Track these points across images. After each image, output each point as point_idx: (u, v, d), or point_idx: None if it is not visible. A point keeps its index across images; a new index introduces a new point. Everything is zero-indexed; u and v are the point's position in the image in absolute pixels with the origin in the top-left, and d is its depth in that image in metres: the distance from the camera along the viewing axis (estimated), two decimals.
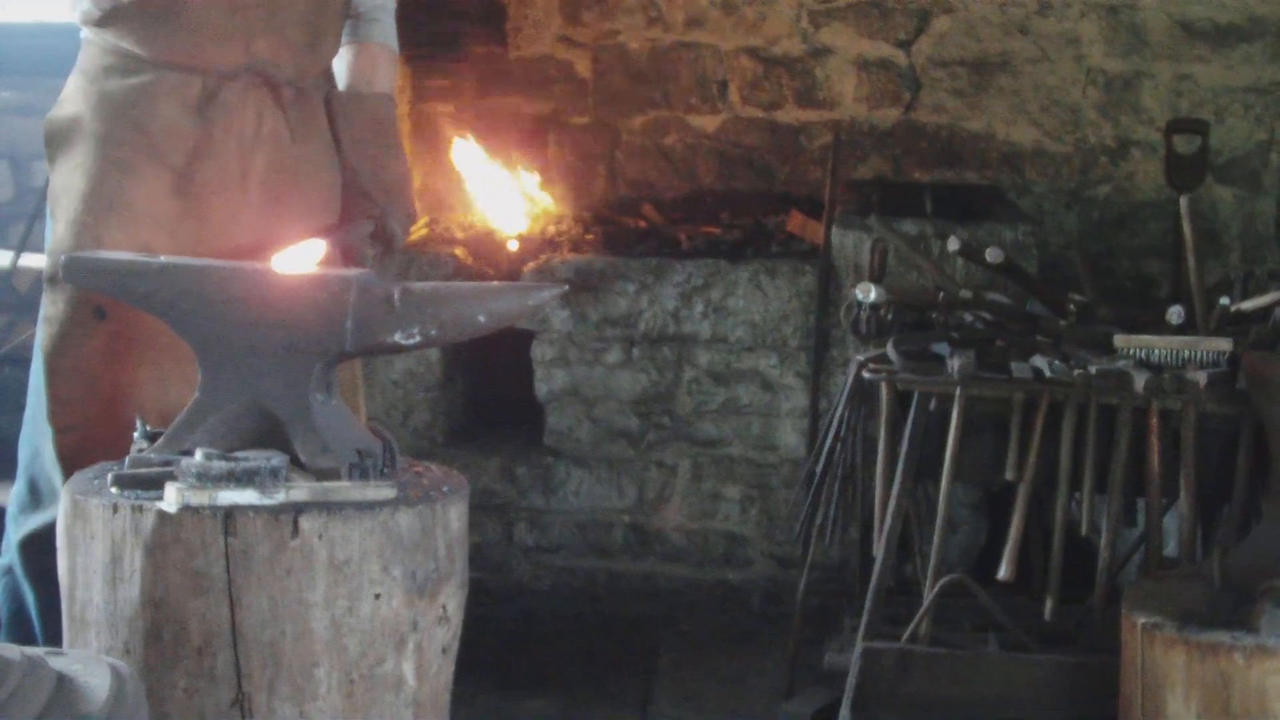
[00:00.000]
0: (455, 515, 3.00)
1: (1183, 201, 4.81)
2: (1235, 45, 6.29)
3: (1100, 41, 6.35)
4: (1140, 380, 4.20)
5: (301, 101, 3.72)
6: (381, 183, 3.83)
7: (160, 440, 3.01)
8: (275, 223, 3.60)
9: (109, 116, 3.56)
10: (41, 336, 3.59)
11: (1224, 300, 4.64)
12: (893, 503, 4.32)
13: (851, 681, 4.21)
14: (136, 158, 3.55)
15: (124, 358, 3.52)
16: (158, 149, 3.55)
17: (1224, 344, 4.34)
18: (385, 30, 3.95)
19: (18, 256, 6.05)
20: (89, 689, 2.40)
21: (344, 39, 3.91)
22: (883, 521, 4.34)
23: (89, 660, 2.52)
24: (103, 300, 3.44)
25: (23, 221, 6.21)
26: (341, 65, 3.92)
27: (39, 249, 4.40)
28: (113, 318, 3.49)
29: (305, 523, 2.79)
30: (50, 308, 3.56)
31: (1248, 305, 4.58)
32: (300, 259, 3.24)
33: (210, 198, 3.59)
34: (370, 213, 3.79)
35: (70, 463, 3.40)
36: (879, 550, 4.34)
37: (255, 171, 3.63)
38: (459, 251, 5.85)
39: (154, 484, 2.86)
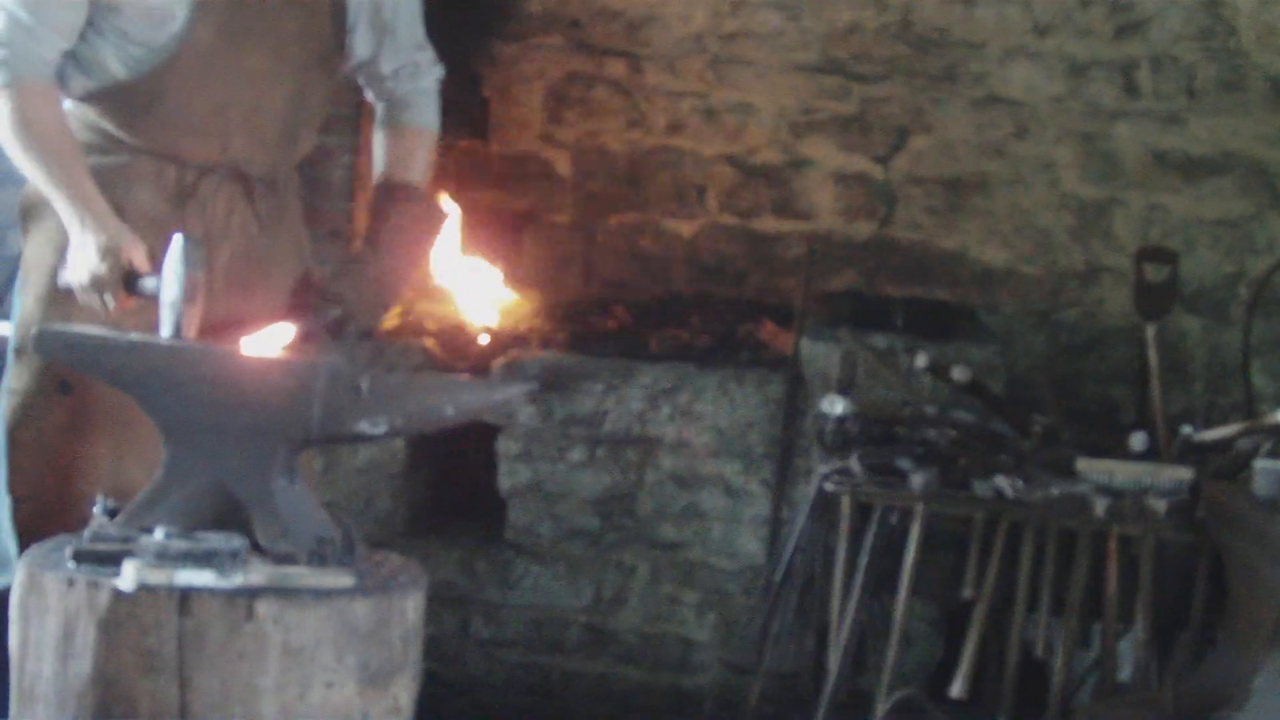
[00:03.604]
0: (412, 606, 2.99)
1: (1149, 329, 4.86)
2: (1206, 178, 6.36)
3: (1075, 167, 6.41)
4: (1100, 505, 4.23)
5: (271, 195, 3.74)
6: (383, 277, 3.80)
7: (120, 515, 3.01)
8: (240, 311, 3.60)
9: None
10: (4, 407, 3.59)
11: (1186, 429, 4.67)
12: (849, 615, 4.32)
13: None
14: None
15: (85, 432, 3.53)
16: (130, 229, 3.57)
17: (1185, 473, 4.38)
18: (423, 114, 3.94)
19: None
20: None
21: (382, 121, 3.92)
22: (838, 633, 4.34)
23: None
24: (68, 374, 3.45)
25: None
26: (379, 149, 3.92)
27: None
28: (76, 392, 3.50)
29: (261, 607, 2.79)
30: (15, 380, 3.58)
31: (1210, 435, 4.62)
32: (269, 342, 3.24)
33: None
34: (344, 299, 3.76)
35: (26, 531, 3.40)
36: (833, 662, 4.34)
37: (222, 261, 3.64)
38: (429, 343, 5.86)
39: (112, 560, 2.85)
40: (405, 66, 3.88)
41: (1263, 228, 6.35)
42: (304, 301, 3.74)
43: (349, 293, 3.74)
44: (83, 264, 3.39)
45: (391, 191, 3.85)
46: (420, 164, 3.92)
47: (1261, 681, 3.63)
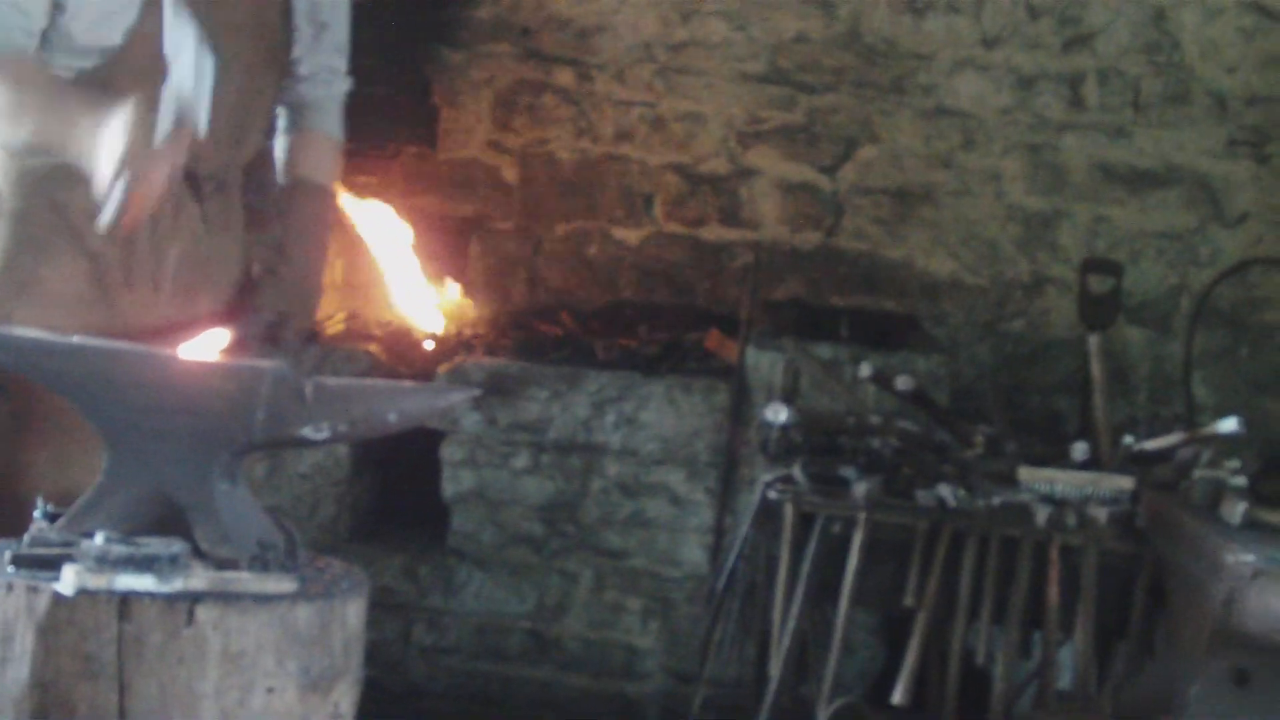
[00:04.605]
0: (354, 612, 2.98)
1: (1092, 340, 4.88)
2: (1152, 190, 6.40)
3: (1021, 179, 6.45)
4: (1042, 514, 4.25)
5: (219, 195, 3.70)
6: (302, 277, 3.81)
7: (61, 520, 2.99)
8: (184, 314, 3.58)
9: (28, 193, 3.54)
10: None
11: (1128, 439, 4.70)
12: (791, 623, 4.33)
13: None
14: (53, 237, 3.53)
15: (23, 436, 3.49)
16: (75, 231, 3.53)
17: (1126, 482, 4.40)
18: (331, 120, 3.93)
19: None
20: None
21: (287, 125, 3.90)
22: (780, 641, 4.35)
23: None
24: (5, 377, 3.42)
25: None
26: (282, 152, 3.90)
27: None
28: (14, 396, 3.47)
29: (201, 612, 2.77)
30: None
31: (1151, 445, 4.64)
32: (210, 348, 3.23)
33: (122, 286, 3.57)
34: (275, 305, 3.74)
35: None
36: (775, 669, 4.35)
37: (168, 263, 3.61)
38: (374, 348, 5.85)
39: (52, 565, 2.84)
40: (323, 70, 3.87)
41: (1206, 240, 6.41)
42: (241, 305, 3.73)
43: (276, 296, 3.73)
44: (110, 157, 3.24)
45: (304, 192, 3.85)
46: (330, 169, 3.92)
47: (1199, 690, 3.66)
